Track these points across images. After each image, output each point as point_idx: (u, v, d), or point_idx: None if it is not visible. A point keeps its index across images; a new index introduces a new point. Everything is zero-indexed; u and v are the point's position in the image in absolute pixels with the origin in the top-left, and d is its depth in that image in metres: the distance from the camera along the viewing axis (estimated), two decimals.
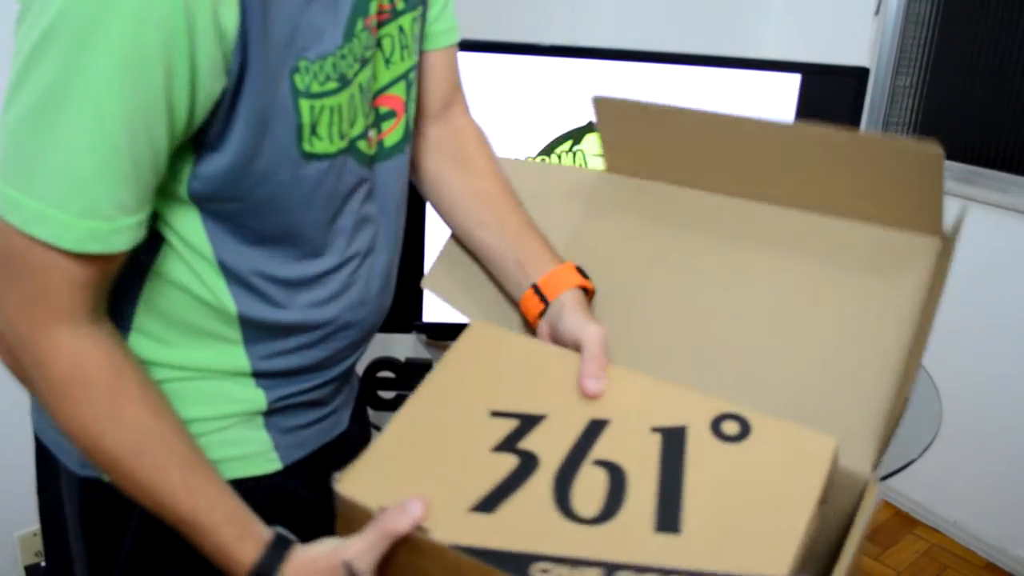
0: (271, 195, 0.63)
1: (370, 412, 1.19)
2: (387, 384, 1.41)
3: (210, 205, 0.63)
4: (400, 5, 0.71)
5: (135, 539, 0.71)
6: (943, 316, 2.27)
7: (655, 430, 0.60)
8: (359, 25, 0.64)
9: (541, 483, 0.58)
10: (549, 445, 0.61)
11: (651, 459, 0.59)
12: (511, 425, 0.62)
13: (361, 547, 0.58)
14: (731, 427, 0.60)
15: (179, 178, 0.61)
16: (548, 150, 1.33)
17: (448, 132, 0.85)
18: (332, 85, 0.62)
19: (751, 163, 0.73)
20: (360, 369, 1.09)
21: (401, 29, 0.71)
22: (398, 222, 0.79)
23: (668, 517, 0.55)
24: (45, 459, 0.77)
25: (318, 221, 0.68)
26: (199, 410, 0.70)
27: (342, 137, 0.66)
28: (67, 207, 0.54)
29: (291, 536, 0.63)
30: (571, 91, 1.30)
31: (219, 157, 0.60)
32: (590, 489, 0.57)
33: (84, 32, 0.50)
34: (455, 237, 0.86)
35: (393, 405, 1.39)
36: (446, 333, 1.39)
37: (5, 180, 0.55)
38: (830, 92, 1.32)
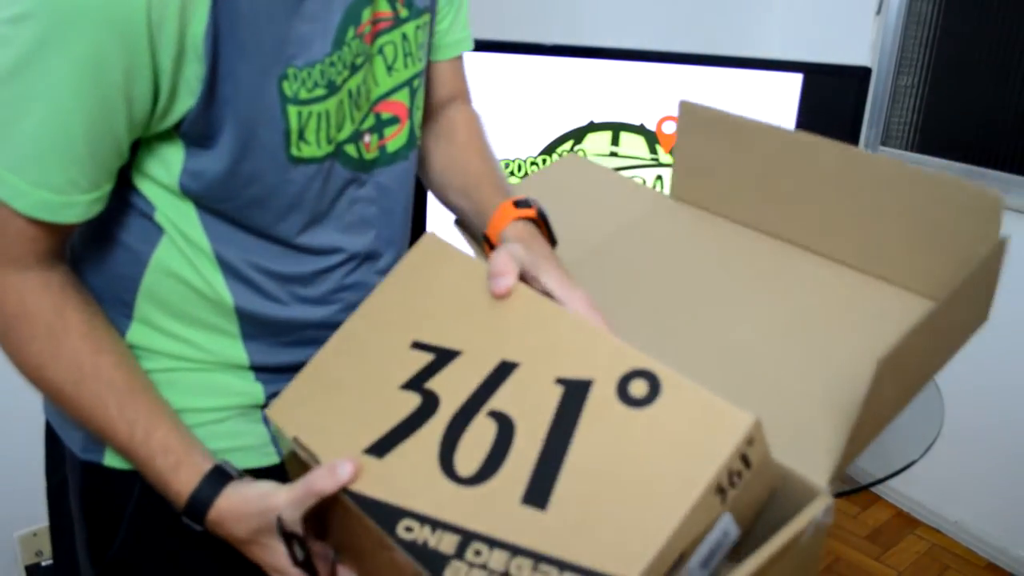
0: (259, 197, 0.65)
1: None
2: None
3: (203, 201, 0.65)
4: (403, 13, 0.71)
5: (131, 522, 0.73)
6: None
7: (559, 381, 0.56)
8: (350, 33, 0.65)
9: (433, 431, 0.58)
10: (453, 387, 0.59)
11: (545, 415, 0.55)
12: (426, 360, 0.61)
13: (289, 499, 0.59)
14: (639, 387, 0.53)
15: (171, 173, 0.63)
16: (549, 150, 1.32)
17: (441, 117, 0.87)
18: (320, 91, 0.63)
19: (818, 205, 0.73)
20: None
21: (404, 37, 0.72)
22: (404, 224, 0.79)
23: (539, 489, 0.52)
24: (54, 443, 0.78)
25: (307, 222, 0.69)
26: (197, 400, 0.71)
27: (329, 142, 0.67)
28: (22, 174, 0.57)
29: (232, 470, 0.64)
30: (572, 90, 1.30)
31: (206, 157, 0.62)
32: (476, 443, 0.56)
33: (51, 27, 0.52)
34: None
35: None
36: None
37: None
38: (832, 92, 1.32)
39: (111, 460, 0.72)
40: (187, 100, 0.59)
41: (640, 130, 1.31)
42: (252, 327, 0.71)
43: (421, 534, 0.54)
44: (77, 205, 0.60)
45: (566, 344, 0.57)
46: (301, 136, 0.64)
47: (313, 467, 0.59)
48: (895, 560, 2.16)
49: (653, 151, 1.33)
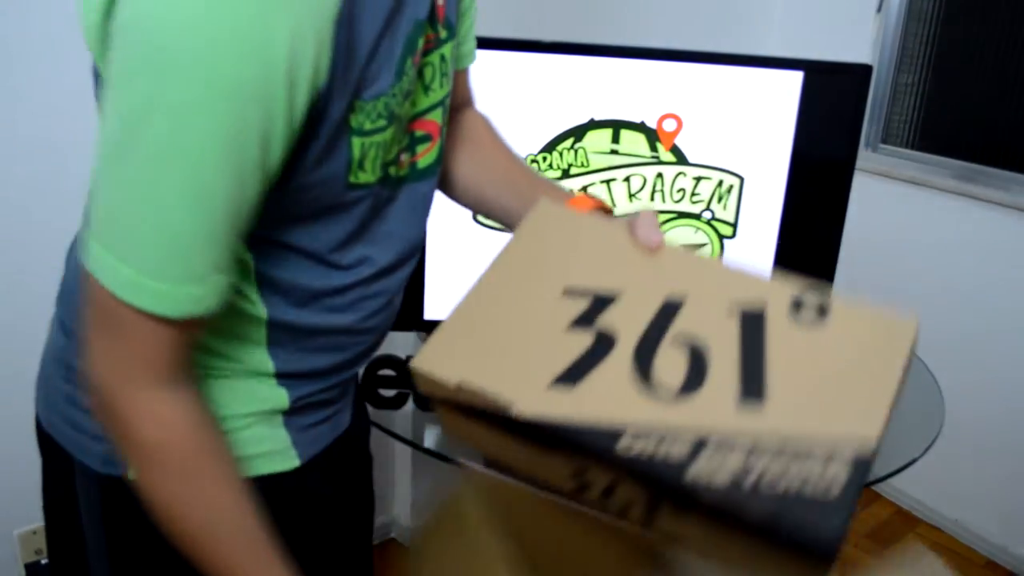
0: (312, 218, 0.65)
1: (370, 410, 1.19)
2: (388, 382, 1.41)
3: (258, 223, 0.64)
4: (443, 34, 0.72)
5: (158, 533, 0.72)
6: (945, 314, 2.28)
7: (732, 311, 0.58)
8: (408, 63, 0.65)
9: (621, 359, 0.57)
10: (625, 323, 0.59)
11: (730, 337, 0.57)
12: (584, 303, 0.61)
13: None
14: (810, 309, 0.58)
15: None
16: (549, 147, 1.32)
17: (457, 123, 0.88)
18: (382, 123, 0.63)
19: None
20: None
21: (443, 58, 0.72)
22: (421, 236, 0.80)
23: (752, 387, 0.54)
24: (55, 457, 0.77)
25: (343, 240, 0.69)
26: (223, 408, 0.70)
27: (382, 169, 0.67)
28: (164, 275, 0.54)
29: None
30: (572, 88, 1.30)
31: (278, 183, 0.60)
32: (671, 365, 0.56)
33: (185, 105, 0.50)
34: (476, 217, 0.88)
35: (394, 403, 1.39)
36: None
37: (101, 243, 0.55)
38: (833, 90, 1.31)
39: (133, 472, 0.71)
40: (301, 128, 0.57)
41: (641, 128, 1.31)
42: (279, 334, 0.70)
43: (644, 446, 0.52)
44: (220, 287, 0.57)
45: (724, 281, 0.60)
46: (360, 165, 0.63)
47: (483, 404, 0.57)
48: None
49: (653, 149, 1.33)
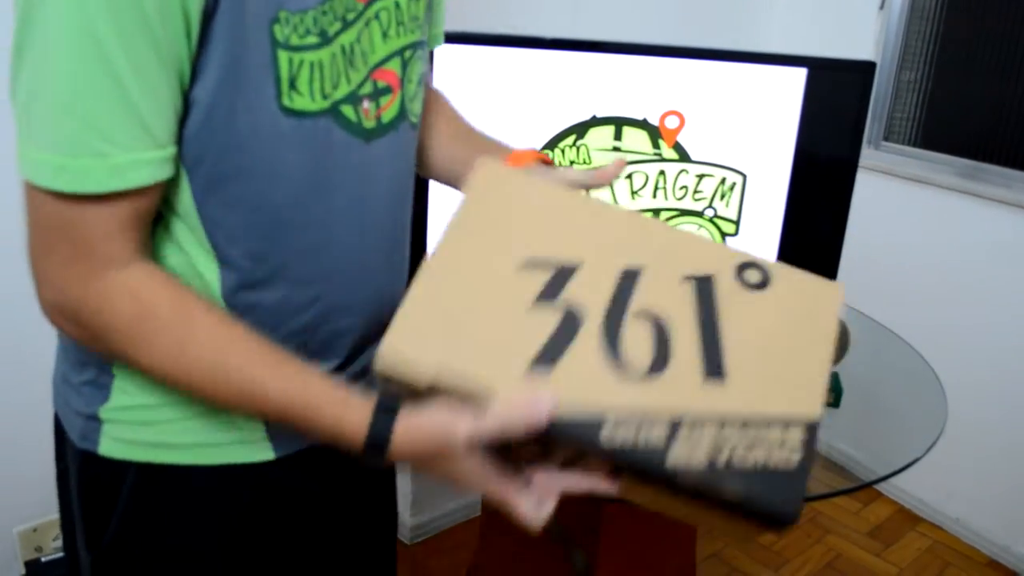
0: (253, 152, 0.63)
1: None
2: None
3: (198, 170, 0.63)
4: None
5: (125, 509, 0.73)
6: (946, 313, 2.27)
7: (686, 278, 0.63)
8: None
9: (590, 337, 0.59)
10: (589, 297, 0.61)
11: (688, 307, 0.61)
12: (545, 276, 0.61)
13: (475, 431, 0.56)
14: (753, 275, 0.64)
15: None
16: (551, 144, 1.32)
17: None
18: (312, 40, 0.63)
19: None
20: None
21: (397, 5, 0.72)
22: (399, 202, 0.78)
23: (713, 364, 0.59)
24: (60, 432, 0.78)
25: (305, 194, 0.67)
26: None
27: (324, 97, 0.65)
28: (82, 151, 0.55)
29: (393, 401, 0.62)
30: (574, 85, 1.29)
31: (196, 109, 0.60)
32: (637, 342, 0.59)
33: None
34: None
35: None
36: None
37: (24, 142, 0.57)
38: (836, 87, 1.31)
39: (106, 448, 0.72)
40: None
41: (643, 125, 1.31)
42: (242, 317, 0.69)
43: (625, 435, 0.55)
44: (148, 163, 0.58)
45: (675, 248, 0.64)
46: (292, 85, 0.63)
47: (477, 399, 0.57)
48: (896, 557, 2.16)
49: (656, 146, 1.32)
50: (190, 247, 0.66)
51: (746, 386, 0.58)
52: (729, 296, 0.62)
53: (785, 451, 0.56)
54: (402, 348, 0.58)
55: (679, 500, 0.58)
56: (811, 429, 0.57)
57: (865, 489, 1.81)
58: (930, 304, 2.22)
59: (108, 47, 0.53)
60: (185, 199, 0.64)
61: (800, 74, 1.30)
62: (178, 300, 0.61)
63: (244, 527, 0.75)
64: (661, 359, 0.59)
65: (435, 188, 1.33)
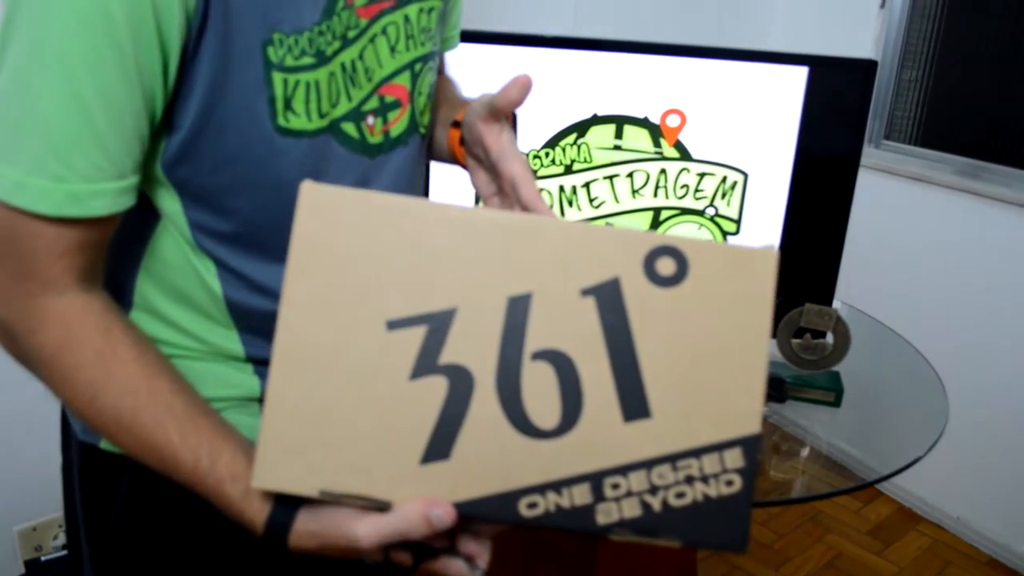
0: (246, 172, 0.63)
1: None
2: None
3: (187, 188, 0.63)
4: None
5: (125, 503, 0.73)
6: (947, 312, 2.27)
7: (586, 292, 0.52)
8: (340, 4, 0.64)
9: (486, 403, 0.51)
10: (475, 348, 0.51)
11: (593, 330, 0.51)
12: (419, 334, 0.51)
13: (372, 534, 0.54)
14: (666, 265, 0.52)
15: (155, 156, 0.62)
16: (552, 143, 1.32)
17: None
18: (308, 60, 0.63)
19: None
20: None
21: (407, 19, 0.71)
22: None
23: (633, 403, 0.51)
24: (66, 424, 0.79)
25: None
26: (198, 389, 0.69)
27: (322, 116, 0.65)
28: (42, 172, 0.54)
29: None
30: (575, 83, 1.29)
31: (179, 133, 0.60)
32: (541, 392, 0.51)
33: (46, 1, 0.52)
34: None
35: None
36: None
37: None
38: (838, 85, 1.31)
39: (107, 442, 0.72)
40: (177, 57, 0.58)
41: (644, 123, 1.31)
42: (244, 320, 0.70)
43: (546, 503, 0.51)
44: (105, 195, 0.57)
45: (569, 252, 0.52)
46: (288, 106, 0.62)
47: (370, 508, 0.53)
48: (897, 556, 2.16)
49: (657, 144, 1.32)
50: (188, 250, 0.67)
51: (673, 418, 0.51)
52: (640, 302, 0.52)
53: (725, 477, 0.51)
54: (277, 469, 0.51)
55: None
56: (750, 444, 0.51)
57: (866, 488, 1.81)
58: (931, 303, 2.22)
59: (77, 74, 0.53)
60: (175, 209, 0.65)
61: (801, 73, 1.30)
62: (104, 339, 0.59)
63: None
64: (572, 410, 0.51)
65: (435, 188, 1.33)
